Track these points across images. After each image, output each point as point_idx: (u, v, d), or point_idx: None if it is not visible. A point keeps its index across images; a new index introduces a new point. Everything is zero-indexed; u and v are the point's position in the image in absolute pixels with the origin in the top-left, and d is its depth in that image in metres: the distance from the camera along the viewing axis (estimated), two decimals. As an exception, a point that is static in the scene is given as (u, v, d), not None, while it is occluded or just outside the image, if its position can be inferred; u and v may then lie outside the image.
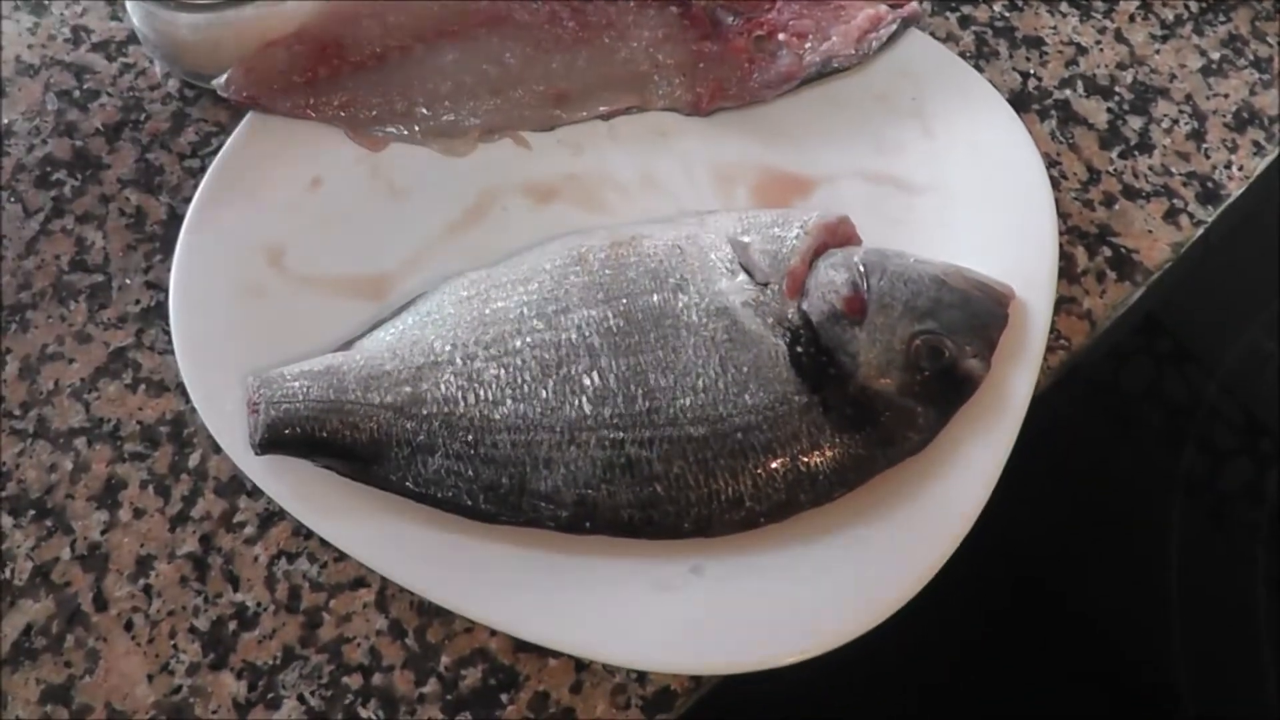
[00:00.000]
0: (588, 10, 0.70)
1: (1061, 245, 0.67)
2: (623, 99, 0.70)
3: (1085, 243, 0.71)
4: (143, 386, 0.64)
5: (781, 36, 0.71)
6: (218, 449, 0.61)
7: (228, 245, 0.63)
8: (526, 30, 0.70)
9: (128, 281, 0.65)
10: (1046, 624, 0.67)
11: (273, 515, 0.61)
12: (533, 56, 0.69)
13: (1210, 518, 0.69)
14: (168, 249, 0.65)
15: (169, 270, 0.63)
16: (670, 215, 0.66)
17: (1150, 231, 0.72)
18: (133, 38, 0.71)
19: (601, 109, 0.70)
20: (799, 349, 0.60)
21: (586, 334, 0.60)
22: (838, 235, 0.64)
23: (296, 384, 0.59)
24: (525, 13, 0.69)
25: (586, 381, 0.59)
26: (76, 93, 0.70)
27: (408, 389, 0.59)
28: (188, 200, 0.66)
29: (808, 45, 0.70)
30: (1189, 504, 0.68)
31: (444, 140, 0.68)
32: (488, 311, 0.61)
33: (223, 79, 0.66)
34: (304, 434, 0.58)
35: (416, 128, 0.67)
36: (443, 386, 0.59)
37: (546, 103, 0.69)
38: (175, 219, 0.66)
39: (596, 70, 0.70)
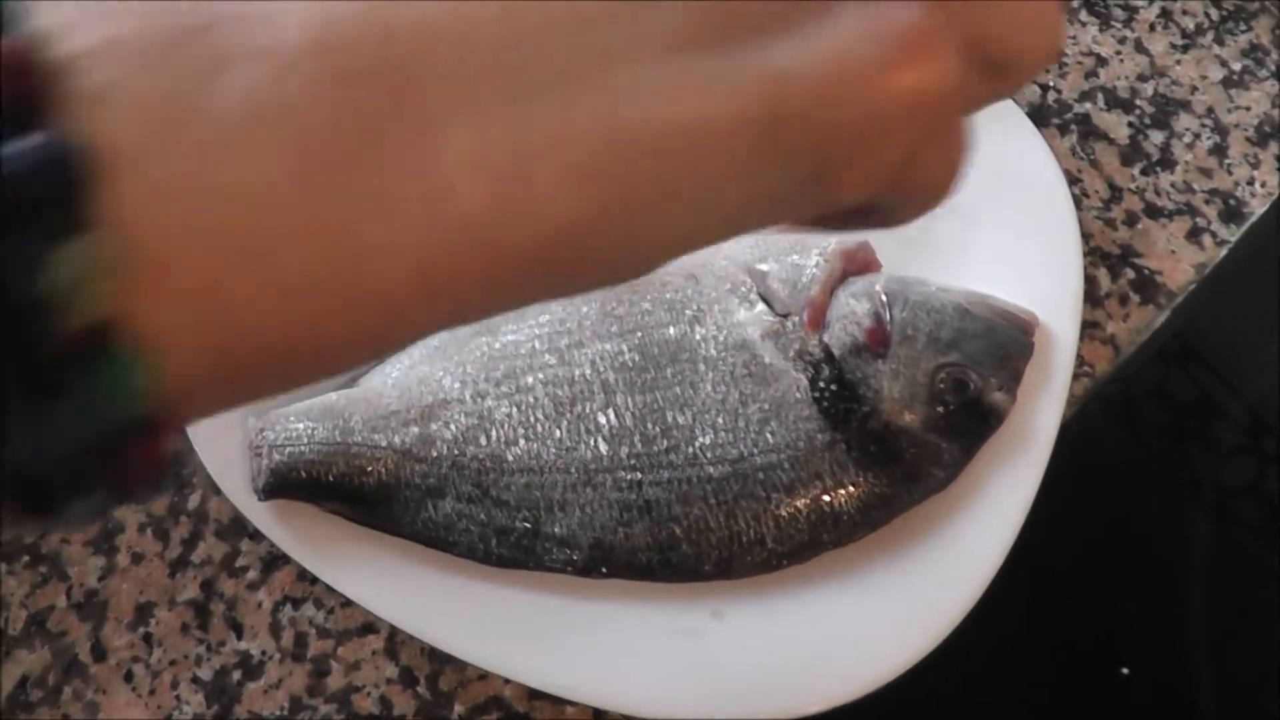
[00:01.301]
0: None
1: (1085, 267, 0.65)
2: None
3: (1108, 264, 0.69)
4: (139, 423, 0.61)
5: None
6: (218, 490, 0.59)
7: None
8: None
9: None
10: (1073, 651, 0.65)
11: (276, 559, 0.59)
12: None
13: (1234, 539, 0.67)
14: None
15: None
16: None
17: (1173, 252, 0.70)
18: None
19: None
20: (821, 384, 0.58)
21: (601, 369, 0.58)
22: (857, 261, 0.62)
23: (300, 425, 0.56)
24: None
25: (602, 420, 0.57)
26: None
27: (416, 429, 0.57)
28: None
29: None
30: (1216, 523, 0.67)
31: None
32: (498, 346, 0.59)
33: None
34: (309, 478, 0.56)
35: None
36: (453, 426, 0.57)
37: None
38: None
39: None
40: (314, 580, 0.58)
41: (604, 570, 0.56)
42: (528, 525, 0.56)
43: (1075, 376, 0.64)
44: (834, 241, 0.61)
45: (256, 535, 0.59)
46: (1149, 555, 0.67)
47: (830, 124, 0.25)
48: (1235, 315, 0.73)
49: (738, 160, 0.24)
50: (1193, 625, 0.65)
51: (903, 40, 0.25)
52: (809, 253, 0.61)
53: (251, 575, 0.59)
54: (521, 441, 0.57)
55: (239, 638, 0.57)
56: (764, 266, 0.60)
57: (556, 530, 0.56)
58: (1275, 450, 0.70)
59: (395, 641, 0.58)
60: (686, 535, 0.56)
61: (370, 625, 0.58)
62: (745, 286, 0.60)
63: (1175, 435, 0.70)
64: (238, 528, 0.60)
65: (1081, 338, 0.65)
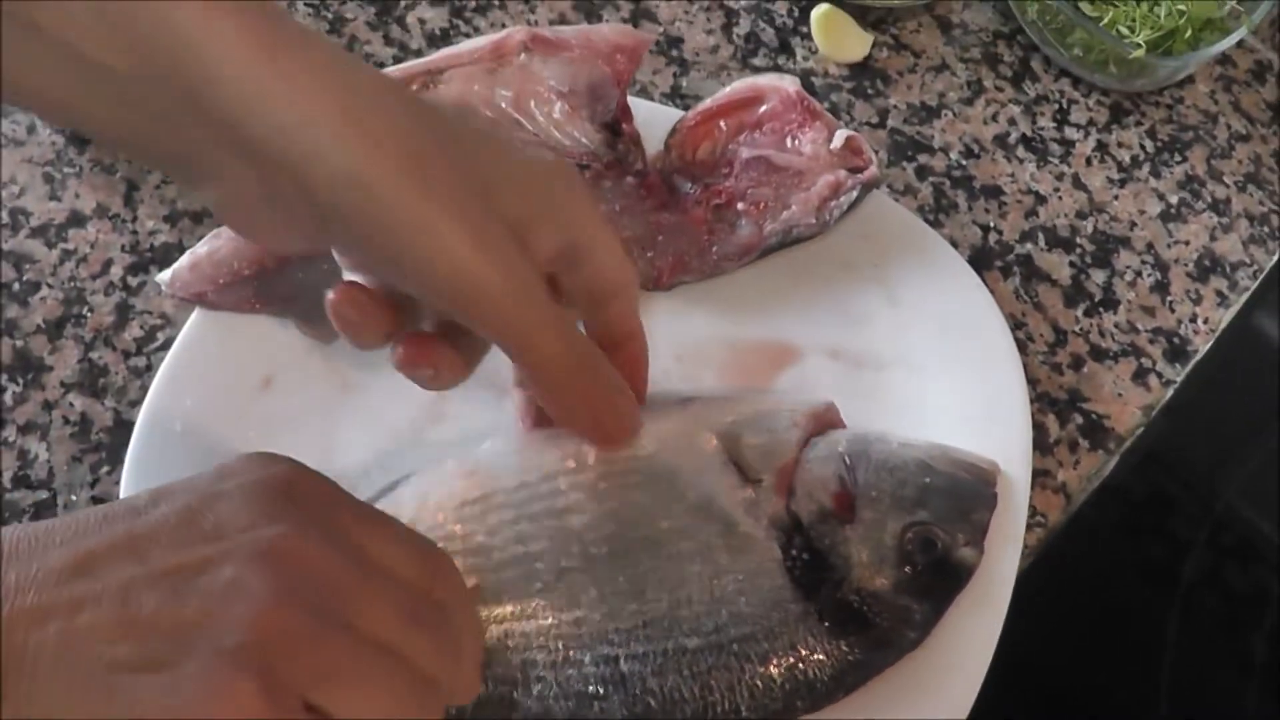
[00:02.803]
0: None
1: (1033, 414, 0.66)
2: None
3: (1056, 410, 0.70)
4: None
5: (740, 205, 0.69)
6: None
7: (178, 460, 0.60)
8: None
9: (73, 498, 0.62)
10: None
11: None
12: None
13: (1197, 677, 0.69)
14: (115, 459, 0.62)
15: (116, 483, 0.60)
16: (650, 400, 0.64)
17: (1120, 395, 0.71)
18: (73, 218, 0.67)
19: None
20: (793, 552, 0.58)
21: (586, 542, 0.57)
22: (823, 422, 0.62)
23: None
24: None
25: (583, 597, 0.57)
26: (16, 285, 0.66)
27: None
28: (134, 404, 0.63)
29: (767, 214, 0.69)
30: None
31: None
32: (490, 521, 0.58)
33: (167, 275, 0.64)
34: None
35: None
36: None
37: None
38: (122, 425, 0.63)
39: None
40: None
41: (578, 744, 0.56)
42: (503, 701, 0.55)
43: (1029, 527, 0.65)
44: (802, 405, 0.62)
45: None
46: (1120, 649, 0.68)
47: None
48: (1188, 463, 0.75)
49: None
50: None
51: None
52: (779, 416, 0.61)
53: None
54: (509, 606, 0.56)
55: None
56: (736, 433, 0.61)
57: (533, 706, 0.55)
58: (1234, 544, 0.71)
59: None
60: (661, 707, 0.56)
61: None
62: (718, 452, 0.60)
63: (1128, 530, 0.71)
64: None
65: (1033, 488, 0.66)
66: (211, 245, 0.64)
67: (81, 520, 0.41)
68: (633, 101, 0.69)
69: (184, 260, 0.64)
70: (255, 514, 0.41)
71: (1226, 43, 0.77)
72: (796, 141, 0.71)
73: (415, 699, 0.42)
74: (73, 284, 0.66)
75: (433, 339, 0.51)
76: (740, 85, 0.72)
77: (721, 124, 0.71)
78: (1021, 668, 0.61)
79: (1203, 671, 0.69)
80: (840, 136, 0.70)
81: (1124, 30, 0.78)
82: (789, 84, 0.71)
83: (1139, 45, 0.77)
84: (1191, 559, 0.72)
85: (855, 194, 0.69)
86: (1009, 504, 0.62)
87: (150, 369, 0.64)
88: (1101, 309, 0.74)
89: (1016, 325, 0.72)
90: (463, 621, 0.46)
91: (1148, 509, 0.73)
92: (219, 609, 0.39)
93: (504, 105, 0.67)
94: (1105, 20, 0.79)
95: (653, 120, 0.71)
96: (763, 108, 0.71)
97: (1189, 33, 0.79)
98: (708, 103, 0.71)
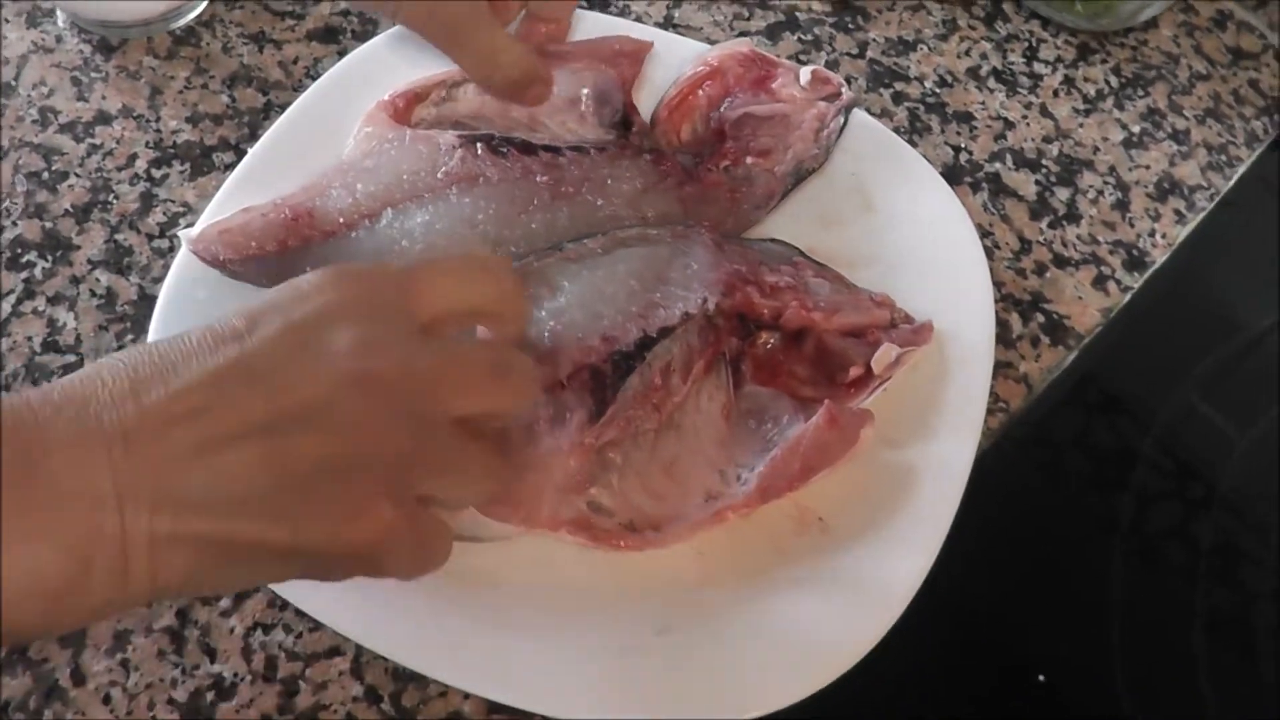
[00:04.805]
0: (560, 164, 0.70)
1: (997, 312, 0.71)
2: None
3: (1020, 310, 0.75)
4: (115, 462, 0.65)
5: (749, 160, 0.73)
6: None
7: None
8: (498, 189, 0.69)
9: (100, 361, 0.66)
10: (993, 678, 0.69)
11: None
12: (508, 215, 0.69)
13: (1146, 562, 0.72)
14: (139, 329, 0.67)
15: (142, 349, 0.64)
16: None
17: (1080, 298, 0.76)
18: (100, 117, 0.73)
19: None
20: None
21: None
22: None
23: None
24: (496, 170, 0.69)
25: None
26: (45, 174, 0.71)
27: None
28: (157, 280, 0.68)
29: (775, 159, 0.73)
30: (1126, 550, 0.72)
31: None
32: None
33: (194, 231, 0.66)
34: None
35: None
36: None
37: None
38: (145, 299, 0.68)
39: (579, 228, 0.69)
40: (283, 607, 0.62)
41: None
42: None
43: (991, 412, 0.69)
44: None
45: (228, 565, 0.62)
46: (1070, 591, 0.71)
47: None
48: (1147, 361, 0.78)
49: None
50: (1111, 649, 0.69)
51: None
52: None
53: (224, 603, 0.62)
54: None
55: (212, 661, 0.61)
56: None
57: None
58: (1202, 496, 0.75)
59: (360, 662, 0.61)
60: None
61: (336, 648, 0.61)
62: None
63: (1099, 483, 0.75)
64: (210, 558, 0.63)
65: (997, 377, 0.71)
66: (245, 218, 0.67)
67: (186, 347, 0.45)
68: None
69: (213, 225, 0.66)
70: (344, 335, 0.47)
71: (1187, -19, 0.82)
72: (770, 92, 0.76)
73: (500, 463, 0.53)
74: (99, 174, 0.71)
75: None
76: (696, 63, 0.76)
77: (694, 102, 0.76)
78: (980, 537, 0.65)
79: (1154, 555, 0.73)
80: (805, 73, 0.75)
81: (1090, -32, 0.83)
82: (740, 45, 0.77)
83: (1103, -20, 0.82)
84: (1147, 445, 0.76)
85: (842, 117, 0.74)
86: (970, 393, 0.67)
87: (173, 249, 0.69)
88: (1065, 222, 0.79)
89: (984, 234, 0.76)
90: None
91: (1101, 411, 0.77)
92: (345, 443, 0.46)
93: (516, 115, 0.73)
94: (1073, -39, 0.84)
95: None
96: (726, 75, 0.76)
97: (1152, -28, 0.84)
98: (673, 90, 0.76)
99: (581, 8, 0.80)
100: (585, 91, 0.74)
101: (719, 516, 0.62)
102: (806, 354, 0.68)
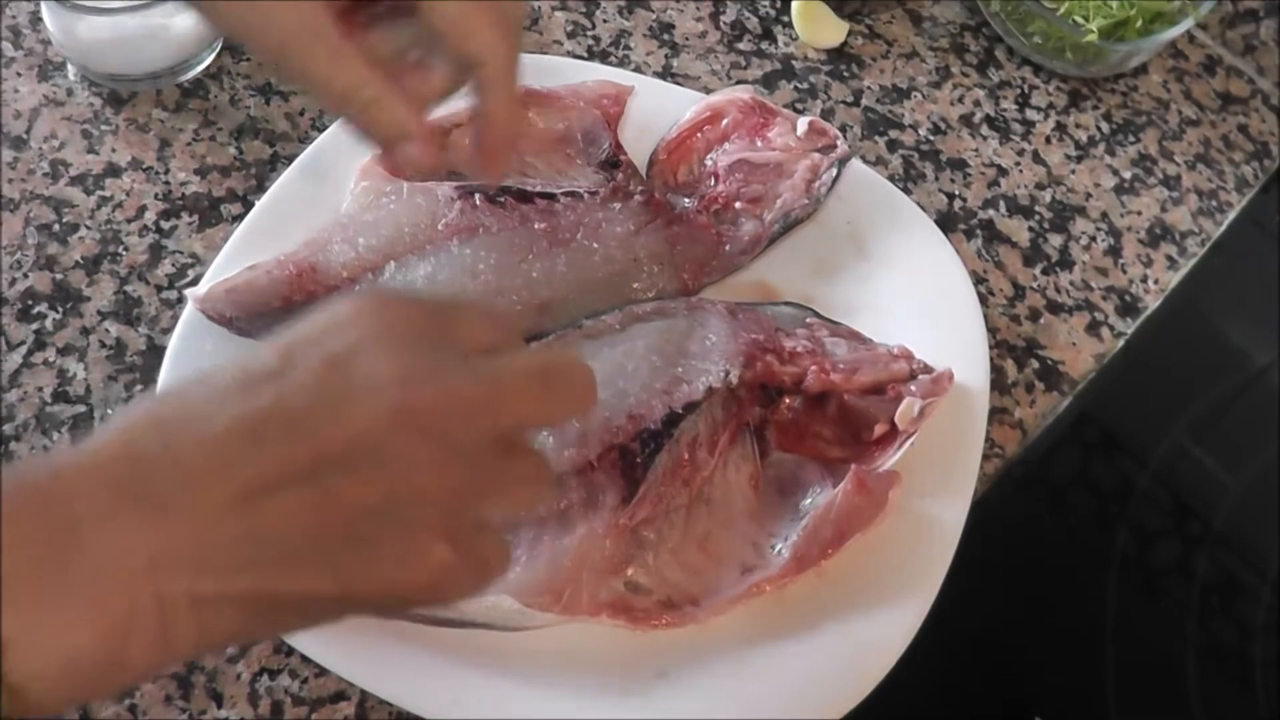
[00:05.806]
0: (556, 210, 0.71)
1: (992, 359, 0.72)
2: (605, 299, 0.71)
3: (1014, 356, 0.76)
4: (124, 511, 0.66)
5: (738, 205, 0.75)
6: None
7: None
8: (498, 238, 0.70)
9: (109, 411, 0.68)
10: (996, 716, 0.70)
11: (255, 634, 0.63)
12: (509, 264, 0.70)
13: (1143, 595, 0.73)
14: (149, 379, 0.68)
15: (149, 399, 0.65)
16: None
17: (1074, 344, 0.77)
18: (110, 169, 0.74)
19: (585, 318, 0.70)
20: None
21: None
22: None
23: None
24: (495, 220, 0.70)
25: None
26: (56, 226, 0.72)
27: None
28: (166, 331, 0.69)
29: (764, 207, 0.75)
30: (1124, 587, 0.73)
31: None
32: None
33: (200, 290, 0.66)
34: None
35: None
36: None
37: (530, 312, 0.69)
38: (154, 349, 0.69)
39: (577, 274, 0.71)
40: (289, 653, 0.62)
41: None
42: None
43: (986, 457, 0.70)
44: None
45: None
46: (1068, 629, 0.73)
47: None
48: (1142, 403, 0.80)
49: None
50: (1106, 683, 0.70)
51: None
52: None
53: (230, 650, 0.63)
54: None
55: (219, 707, 0.61)
56: None
57: None
58: (1200, 533, 0.76)
59: (365, 707, 0.62)
60: None
61: (342, 693, 0.62)
62: None
63: (1098, 521, 0.76)
64: (218, 606, 0.64)
65: (992, 423, 0.72)
66: (250, 275, 0.67)
67: (218, 392, 0.43)
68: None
69: (219, 284, 0.67)
70: (386, 366, 0.44)
71: (1175, 30, 0.84)
72: (766, 140, 0.77)
73: (544, 465, 0.49)
74: (109, 226, 0.73)
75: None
76: (698, 107, 0.78)
77: (692, 145, 0.78)
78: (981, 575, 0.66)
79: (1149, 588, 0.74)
80: (803, 123, 0.77)
81: (1079, 20, 0.85)
82: (742, 93, 0.78)
83: (1092, 31, 0.83)
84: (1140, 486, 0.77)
85: (835, 170, 0.75)
86: (967, 437, 0.68)
87: (181, 301, 0.70)
88: (1058, 268, 0.80)
89: (978, 281, 0.78)
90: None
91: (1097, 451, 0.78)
92: (393, 485, 0.43)
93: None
94: (1061, 10, 0.85)
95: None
96: (725, 120, 0.78)
97: (1140, 23, 0.85)
98: (673, 132, 0.78)
99: (580, 58, 0.82)
100: (573, 131, 0.75)
101: (756, 589, 0.63)
102: (830, 415, 0.68)
